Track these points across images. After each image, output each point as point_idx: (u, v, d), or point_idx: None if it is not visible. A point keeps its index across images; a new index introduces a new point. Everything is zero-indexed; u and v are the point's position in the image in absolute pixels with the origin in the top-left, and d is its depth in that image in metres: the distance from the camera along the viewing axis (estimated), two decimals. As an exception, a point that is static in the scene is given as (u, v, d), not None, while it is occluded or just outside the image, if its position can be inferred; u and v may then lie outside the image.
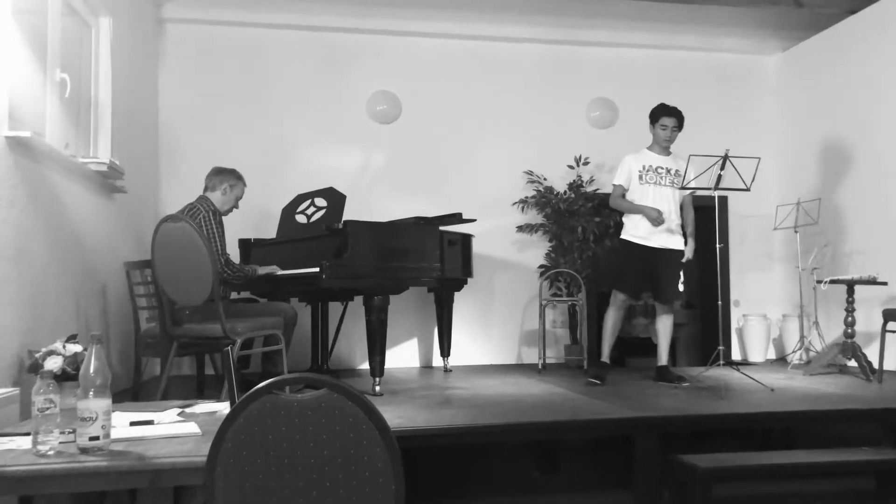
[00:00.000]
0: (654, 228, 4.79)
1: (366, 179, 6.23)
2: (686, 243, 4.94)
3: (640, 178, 4.86)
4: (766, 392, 4.34)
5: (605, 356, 4.96)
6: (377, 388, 4.23)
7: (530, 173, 6.43)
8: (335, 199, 4.82)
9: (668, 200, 4.85)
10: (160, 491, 2.06)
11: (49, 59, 3.69)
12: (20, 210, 3.16)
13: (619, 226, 5.11)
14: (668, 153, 4.94)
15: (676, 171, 4.86)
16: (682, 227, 4.95)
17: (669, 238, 4.84)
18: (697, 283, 6.95)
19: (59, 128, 3.81)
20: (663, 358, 4.95)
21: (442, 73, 6.50)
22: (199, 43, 6.15)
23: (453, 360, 5.84)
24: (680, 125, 4.91)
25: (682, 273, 4.88)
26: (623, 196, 4.92)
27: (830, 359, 5.38)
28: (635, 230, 4.86)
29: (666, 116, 4.88)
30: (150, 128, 5.85)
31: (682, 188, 4.79)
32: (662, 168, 4.87)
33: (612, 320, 4.93)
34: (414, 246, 4.54)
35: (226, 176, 4.39)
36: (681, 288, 4.89)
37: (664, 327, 4.95)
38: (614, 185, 4.98)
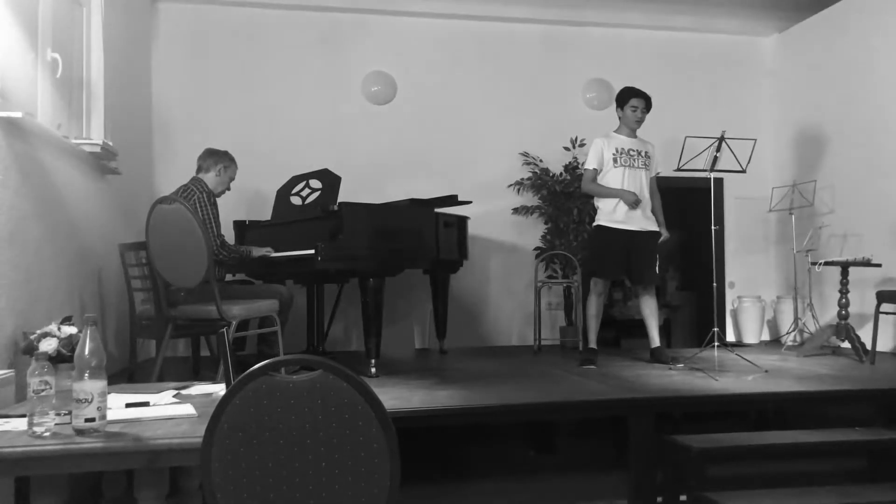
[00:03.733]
0: (631, 212, 4.78)
1: (361, 161, 6.19)
2: (659, 225, 4.96)
3: (615, 160, 4.84)
4: (759, 373, 4.36)
5: (592, 342, 4.95)
6: (373, 370, 4.24)
7: (526, 155, 6.41)
8: (330, 180, 4.80)
9: (641, 182, 4.86)
10: (157, 472, 2.06)
11: (40, 39, 3.64)
12: (13, 191, 3.14)
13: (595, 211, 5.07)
14: (635, 136, 4.94)
15: (647, 152, 4.90)
16: (653, 210, 4.96)
17: (645, 220, 4.85)
18: (692, 265, 6.97)
19: (50, 108, 3.77)
20: (656, 339, 4.96)
21: (437, 54, 6.45)
22: (192, 22, 6.09)
23: (449, 342, 5.85)
24: (648, 107, 4.90)
25: (657, 256, 4.92)
26: (595, 180, 4.89)
27: (824, 340, 5.40)
28: (612, 215, 4.82)
29: (635, 98, 4.87)
30: (143, 108, 5.81)
31: (679, 169, 4.79)
32: (634, 150, 4.87)
33: (594, 307, 4.93)
34: (409, 228, 4.53)
35: (220, 157, 4.37)
36: (657, 270, 4.93)
37: (650, 309, 4.95)
38: (586, 169, 4.93)
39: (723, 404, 3.84)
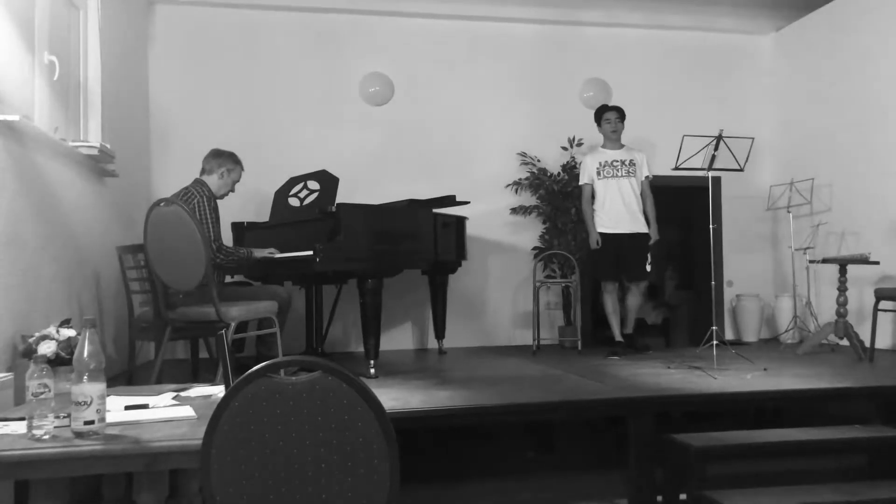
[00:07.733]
0: (620, 216, 5.28)
1: (359, 162, 6.19)
2: (650, 226, 5.37)
3: (599, 173, 5.37)
4: (758, 371, 4.37)
5: (617, 336, 5.42)
6: (372, 371, 4.24)
7: (524, 155, 6.41)
8: (328, 181, 4.80)
9: (627, 190, 5.31)
10: (156, 474, 2.06)
11: (37, 42, 3.64)
12: (10, 195, 3.13)
13: None
14: (621, 146, 5.42)
15: (631, 160, 5.34)
16: (644, 212, 5.38)
17: (634, 223, 5.32)
18: (691, 263, 6.98)
19: (48, 111, 3.77)
20: (629, 327, 5.49)
21: (435, 54, 6.45)
22: (189, 24, 6.08)
23: (447, 343, 5.85)
24: (621, 117, 5.43)
25: (649, 255, 5.34)
26: (592, 195, 5.40)
27: (823, 338, 5.41)
28: (602, 221, 5.35)
29: (606, 112, 5.47)
30: (140, 111, 5.80)
31: (676, 168, 4.82)
32: (617, 161, 5.37)
33: (609, 305, 5.44)
34: (407, 229, 4.53)
35: (223, 159, 4.35)
36: (648, 269, 5.36)
37: (633, 302, 5.46)
38: (580, 185, 5.50)
39: (722, 403, 3.84)
